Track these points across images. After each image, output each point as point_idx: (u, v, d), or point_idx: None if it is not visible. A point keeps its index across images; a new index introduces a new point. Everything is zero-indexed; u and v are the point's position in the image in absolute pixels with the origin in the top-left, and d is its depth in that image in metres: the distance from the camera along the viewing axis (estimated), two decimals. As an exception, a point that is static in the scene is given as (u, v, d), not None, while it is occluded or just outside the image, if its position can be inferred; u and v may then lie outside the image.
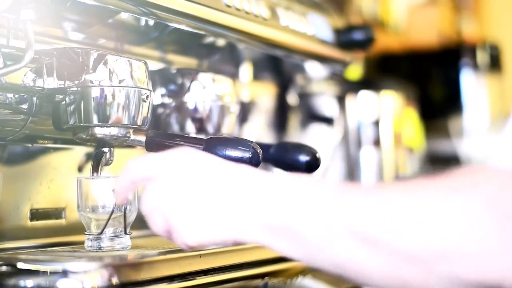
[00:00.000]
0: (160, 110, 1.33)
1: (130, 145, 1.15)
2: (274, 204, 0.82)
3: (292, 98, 1.88)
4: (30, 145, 1.21)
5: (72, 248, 1.16)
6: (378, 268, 0.77)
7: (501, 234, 0.72)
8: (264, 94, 1.82)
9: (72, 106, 1.09)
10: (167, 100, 1.33)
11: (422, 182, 0.78)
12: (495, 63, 2.96)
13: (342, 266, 0.80)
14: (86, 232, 1.09)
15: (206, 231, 0.86)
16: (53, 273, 0.93)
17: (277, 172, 1.43)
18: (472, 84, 2.85)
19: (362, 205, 0.77)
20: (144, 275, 0.99)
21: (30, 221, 1.20)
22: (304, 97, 1.90)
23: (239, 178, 0.86)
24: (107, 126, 1.10)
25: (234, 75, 1.62)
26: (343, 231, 0.77)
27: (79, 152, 1.30)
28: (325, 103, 1.91)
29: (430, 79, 2.91)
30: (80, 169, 1.30)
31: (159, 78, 1.33)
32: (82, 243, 1.10)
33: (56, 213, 1.25)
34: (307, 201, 0.80)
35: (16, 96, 1.08)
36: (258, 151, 1.08)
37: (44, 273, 0.93)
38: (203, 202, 0.86)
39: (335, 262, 0.80)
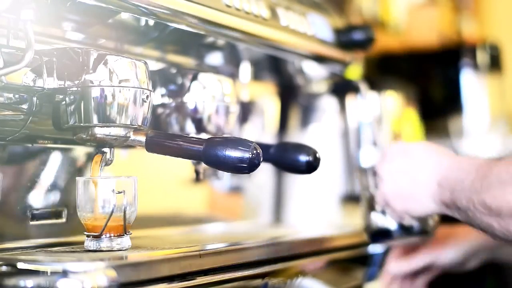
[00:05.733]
0: (160, 110, 1.33)
1: (130, 145, 1.15)
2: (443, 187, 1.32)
3: (292, 98, 1.88)
4: (30, 145, 1.21)
5: (72, 248, 1.16)
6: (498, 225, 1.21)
7: None
8: (264, 94, 1.82)
9: (72, 106, 1.09)
10: (167, 100, 1.33)
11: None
12: (495, 63, 2.96)
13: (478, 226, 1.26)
14: (86, 232, 1.09)
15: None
16: (53, 273, 0.93)
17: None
18: (472, 84, 2.85)
19: (480, 187, 1.23)
20: (144, 275, 0.99)
21: (30, 221, 1.20)
22: (304, 97, 1.90)
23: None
24: (107, 126, 1.10)
25: (234, 75, 1.62)
26: (476, 204, 1.23)
27: (79, 152, 1.30)
28: (325, 103, 1.91)
29: (430, 79, 2.92)
30: (80, 169, 1.30)
31: (159, 78, 1.33)
32: (82, 243, 1.10)
33: (56, 213, 1.25)
34: (458, 186, 1.27)
35: (16, 96, 1.08)
36: (258, 151, 1.08)
37: (44, 273, 0.93)
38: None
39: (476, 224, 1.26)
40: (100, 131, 1.10)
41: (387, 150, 1.46)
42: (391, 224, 1.52)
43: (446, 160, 1.34)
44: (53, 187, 1.25)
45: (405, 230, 1.52)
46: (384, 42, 2.74)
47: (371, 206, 1.53)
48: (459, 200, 1.27)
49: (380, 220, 1.52)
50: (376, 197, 1.46)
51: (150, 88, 1.14)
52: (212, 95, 1.33)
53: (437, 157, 1.36)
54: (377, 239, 1.53)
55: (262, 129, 1.79)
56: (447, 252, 1.57)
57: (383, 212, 1.51)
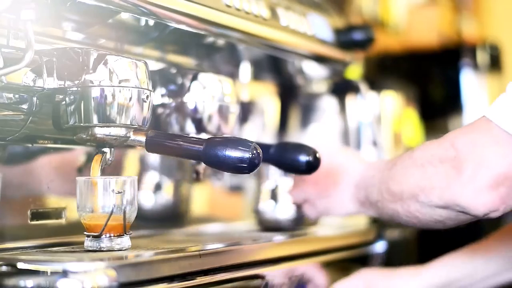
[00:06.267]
0: (160, 110, 1.33)
1: (130, 145, 1.15)
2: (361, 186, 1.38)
3: (292, 98, 1.88)
4: (30, 145, 1.21)
5: (72, 248, 1.16)
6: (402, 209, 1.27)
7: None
8: (264, 94, 1.82)
9: (72, 106, 1.09)
10: (167, 100, 1.33)
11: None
12: (495, 63, 2.96)
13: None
14: (86, 232, 1.09)
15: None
16: (53, 273, 0.93)
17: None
18: (472, 84, 2.85)
19: (387, 176, 1.30)
20: (144, 275, 0.99)
21: (30, 221, 1.20)
22: (304, 97, 1.90)
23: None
24: (107, 126, 1.10)
25: (234, 75, 1.62)
26: (384, 193, 1.29)
27: (79, 152, 1.30)
28: (325, 103, 1.91)
29: (430, 79, 2.91)
30: (80, 169, 1.30)
31: (159, 78, 1.33)
32: (82, 243, 1.10)
33: (56, 213, 1.25)
34: (370, 182, 1.35)
35: (16, 96, 1.08)
36: (258, 151, 1.08)
37: (44, 273, 0.93)
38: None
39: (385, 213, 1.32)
40: (100, 131, 1.10)
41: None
42: (281, 216, 1.53)
43: (363, 164, 1.44)
44: (53, 187, 1.25)
45: (295, 221, 1.53)
46: (384, 42, 2.74)
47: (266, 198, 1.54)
48: (371, 195, 1.34)
49: (271, 211, 1.53)
50: (293, 195, 1.50)
51: (150, 88, 1.14)
52: (212, 95, 1.33)
53: (356, 163, 1.45)
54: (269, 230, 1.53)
55: (262, 129, 1.79)
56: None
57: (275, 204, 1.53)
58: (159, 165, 1.51)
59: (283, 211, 1.53)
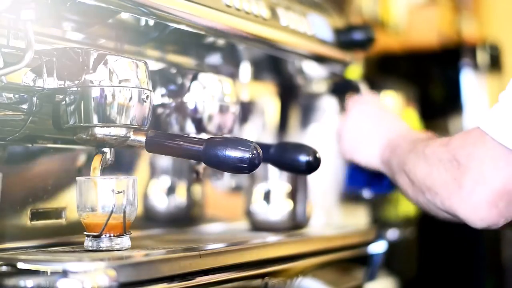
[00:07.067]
0: (160, 110, 1.33)
1: (130, 145, 1.15)
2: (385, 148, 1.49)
3: (292, 98, 1.88)
4: (30, 145, 1.21)
5: (72, 248, 1.16)
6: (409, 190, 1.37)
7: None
8: (264, 94, 1.82)
9: (72, 106, 1.09)
10: (167, 100, 1.33)
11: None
12: (495, 63, 2.96)
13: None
14: (86, 232, 1.09)
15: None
16: (53, 273, 0.93)
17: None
18: (472, 84, 2.85)
19: (405, 157, 1.38)
20: (144, 275, 0.99)
21: (30, 221, 1.20)
22: (304, 97, 1.90)
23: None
24: (107, 126, 1.10)
25: (234, 75, 1.62)
26: (401, 169, 1.39)
27: (79, 152, 1.30)
28: (325, 103, 1.91)
29: (430, 79, 2.91)
30: (80, 169, 1.30)
31: (159, 78, 1.33)
32: (82, 243, 1.10)
33: (56, 213, 1.25)
34: (395, 150, 1.44)
35: (16, 96, 1.08)
36: (258, 151, 1.08)
37: (44, 273, 0.93)
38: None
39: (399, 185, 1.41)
40: (100, 131, 1.10)
41: (349, 110, 1.65)
42: (273, 216, 1.53)
43: (395, 125, 1.56)
44: (53, 187, 1.25)
45: (286, 222, 1.53)
46: (384, 42, 2.74)
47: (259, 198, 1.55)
48: (392, 161, 1.44)
49: (263, 211, 1.53)
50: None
51: (150, 88, 1.14)
52: (212, 95, 1.33)
53: (389, 122, 1.57)
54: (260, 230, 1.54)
55: (262, 129, 1.79)
56: None
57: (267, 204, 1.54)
58: (159, 165, 1.51)
59: (283, 212, 1.53)
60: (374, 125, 1.58)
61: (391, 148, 1.47)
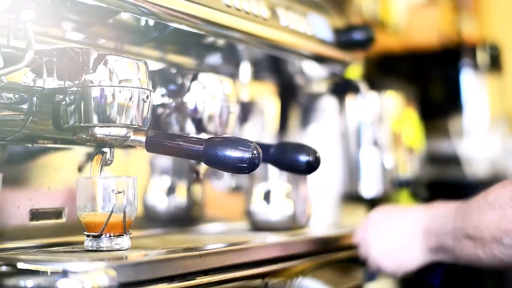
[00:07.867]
0: (160, 110, 1.33)
1: (130, 145, 1.15)
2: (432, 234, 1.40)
3: (292, 98, 1.88)
4: (30, 145, 1.21)
5: (72, 248, 1.16)
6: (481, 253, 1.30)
7: None
8: (264, 94, 1.82)
9: (72, 106, 1.09)
10: (167, 100, 1.33)
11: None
12: (495, 63, 2.96)
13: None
14: (85, 232, 1.09)
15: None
16: (53, 273, 0.93)
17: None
18: (472, 84, 2.85)
19: (462, 223, 1.32)
20: (144, 275, 0.99)
21: (30, 221, 1.20)
22: (304, 97, 1.90)
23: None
24: (107, 126, 1.10)
25: (234, 75, 1.62)
26: (462, 239, 1.32)
27: (79, 152, 1.30)
28: (325, 103, 1.91)
29: (430, 79, 2.91)
30: (80, 169, 1.30)
31: (159, 78, 1.33)
32: (82, 243, 1.10)
33: (56, 213, 1.25)
34: (441, 230, 1.36)
35: (16, 96, 1.08)
36: (258, 151, 1.08)
37: (44, 273, 0.93)
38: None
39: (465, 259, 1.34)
40: (100, 131, 1.10)
41: (368, 218, 1.51)
42: (273, 216, 1.53)
43: (425, 211, 1.43)
44: (53, 187, 1.25)
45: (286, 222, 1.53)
46: (384, 42, 2.74)
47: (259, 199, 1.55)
48: (445, 242, 1.36)
49: (263, 211, 1.53)
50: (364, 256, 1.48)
51: (150, 88, 1.14)
52: (212, 95, 1.33)
53: (416, 211, 1.45)
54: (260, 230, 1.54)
55: (262, 129, 1.79)
56: None
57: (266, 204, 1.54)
58: (159, 165, 1.51)
59: (283, 212, 1.53)
60: (403, 224, 1.45)
61: (433, 233, 1.39)
